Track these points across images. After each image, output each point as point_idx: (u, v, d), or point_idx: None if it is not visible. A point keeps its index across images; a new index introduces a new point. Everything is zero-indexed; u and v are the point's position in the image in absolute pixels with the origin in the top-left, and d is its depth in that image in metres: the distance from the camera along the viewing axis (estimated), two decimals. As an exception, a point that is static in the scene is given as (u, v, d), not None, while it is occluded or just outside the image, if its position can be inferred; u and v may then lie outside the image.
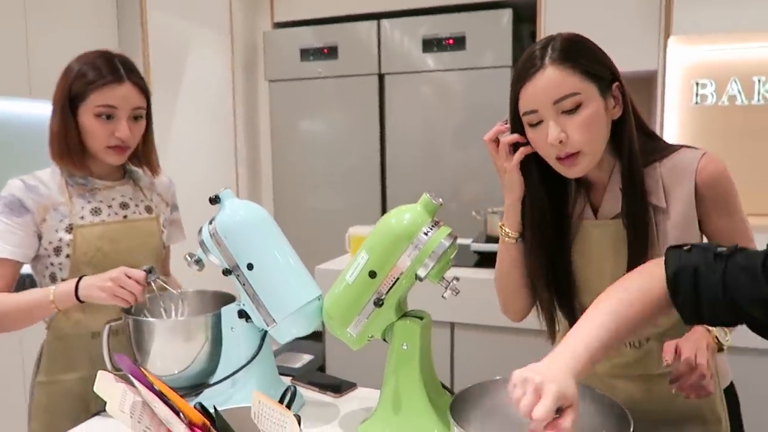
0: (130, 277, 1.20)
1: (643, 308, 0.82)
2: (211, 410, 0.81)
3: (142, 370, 0.70)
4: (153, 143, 1.45)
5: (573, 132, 0.98)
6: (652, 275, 0.84)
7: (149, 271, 1.24)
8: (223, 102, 3.66)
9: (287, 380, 1.39)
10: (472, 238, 2.37)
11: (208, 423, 0.74)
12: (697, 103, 3.08)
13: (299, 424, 0.83)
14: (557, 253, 1.11)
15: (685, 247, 0.84)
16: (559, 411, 0.72)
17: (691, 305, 0.80)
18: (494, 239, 2.22)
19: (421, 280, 1.08)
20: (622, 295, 0.83)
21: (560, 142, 0.98)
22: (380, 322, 1.11)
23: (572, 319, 1.15)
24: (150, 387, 0.69)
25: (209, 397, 1.20)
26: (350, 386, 1.35)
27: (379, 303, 1.08)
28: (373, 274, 1.08)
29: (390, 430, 1.07)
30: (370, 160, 3.42)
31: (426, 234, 1.06)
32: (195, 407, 0.79)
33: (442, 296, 1.08)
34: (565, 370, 0.74)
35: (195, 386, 1.24)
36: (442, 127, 3.27)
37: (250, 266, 1.15)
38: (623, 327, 0.81)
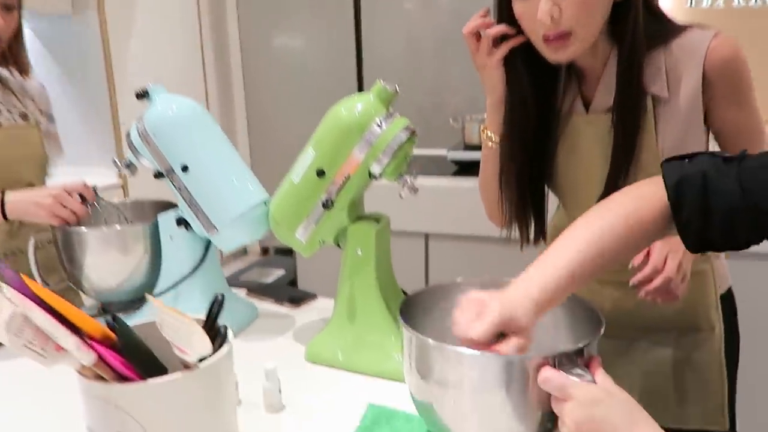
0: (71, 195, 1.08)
1: (629, 234, 0.67)
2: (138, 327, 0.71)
3: (24, 277, 0.59)
4: (23, 40, 1.26)
5: (567, 6, 0.83)
6: (641, 192, 0.69)
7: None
8: (188, 16, 3.40)
9: (242, 292, 1.30)
10: (449, 147, 2.24)
11: (112, 335, 0.64)
12: (691, 5, 2.88)
13: (225, 335, 0.74)
14: (537, 154, 0.99)
15: (685, 158, 0.69)
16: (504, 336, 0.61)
17: (699, 219, 0.64)
18: (472, 147, 2.10)
19: (375, 178, 0.97)
20: (605, 219, 0.68)
21: (552, 18, 0.84)
22: (331, 226, 1.00)
23: (541, 226, 1.04)
24: (32, 296, 0.58)
25: (152, 314, 1.11)
26: (309, 297, 1.27)
27: (328, 205, 0.96)
28: (321, 173, 0.96)
29: (344, 341, 0.99)
30: (346, 75, 3.22)
31: (379, 126, 0.93)
32: (107, 322, 0.69)
33: (399, 195, 0.96)
34: (524, 296, 0.62)
35: (136, 300, 1.14)
36: (423, 38, 3.07)
37: (184, 168, 1.02)
38: (603, 257, 0.66)
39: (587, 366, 0.59)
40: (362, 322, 0.99)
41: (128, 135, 1.07)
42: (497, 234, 1.11)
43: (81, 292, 1.17)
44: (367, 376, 0.95)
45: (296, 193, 0.99)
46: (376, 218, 1.02)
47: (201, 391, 0.67)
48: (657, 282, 0.86)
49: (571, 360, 0.58)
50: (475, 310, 0.62)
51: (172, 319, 0.61)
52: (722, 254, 1.03)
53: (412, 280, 0.99)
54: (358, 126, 0.93)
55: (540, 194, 1.05)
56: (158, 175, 1.05)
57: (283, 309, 1.23)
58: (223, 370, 0.70)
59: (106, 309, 1.18)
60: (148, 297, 0.63)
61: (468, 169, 2.06)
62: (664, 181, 0.67)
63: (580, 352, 0.60)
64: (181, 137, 1.03)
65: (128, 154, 1.08)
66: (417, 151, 2.31)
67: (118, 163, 1.09)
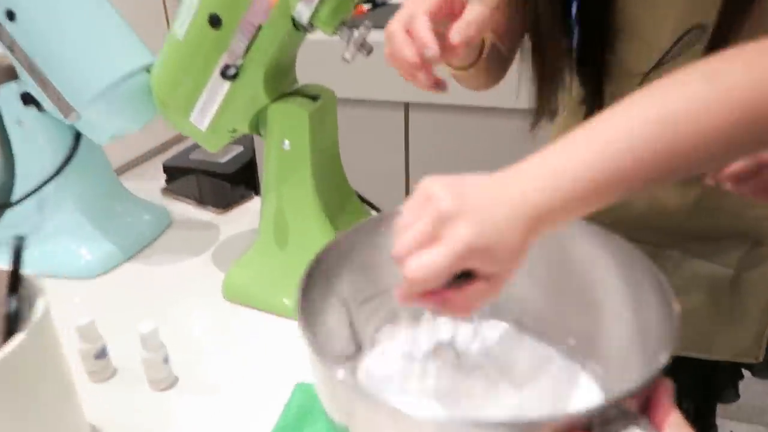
0: None
1: (725, 125, 0.35)
2: None
3: None
4: None
5: None
6: (756, 57, 0.36)
7: None
8: None
9: (154, 189, 0.98)
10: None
11: None
12: None
13: (17, 316, 0.44)
14: None
15: None
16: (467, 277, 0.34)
17: None
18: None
19: (306, 30, 0.62)
20: (680, 95, 0.36)
21: None
22: (243, 106, 0.66)
23: (594, 94, 0.69)
24: None
25: (11, 226, 0.80)
26: (243, 197, 0.96)
27: (230, 73, 0.62)
28: (215, 21, 0.60)
29: (270, 273, 0.70)
30: None
31: (304, -62, 0.56)
32: None
33: (343, 57, 0.62)
34: (513, 209, 0.34)
35: (-7, 211, 0.83)
36: None
37: (10, 14, 0.66)
38: (672, 156, 0.35)
39: (647, 412, 0.30)
40: (295, 247, 0.69)
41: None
42: (494, 103, 0.78)
43: None
44: (303, 324, 0.68)
45: (182, 55, 0.64)
46: (313, 94, 0.68)
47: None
48: (741, 163, 0.56)
49: (623, 414, 0.29)
50: (426, 225, 0.34)
51: None
52: None
53: (391, 162, 0.71)
54: (270, -61, 0.56)
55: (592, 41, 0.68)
56: (-27, 27, 0.68)
57: (207, 214, 0.93)
58: (26, 363, 0.42)
59: (-41, 220, 0.87)
60: None
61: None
62: None
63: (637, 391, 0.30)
64: (0, -35, 0.66)
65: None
66: (397, -2, 1.89)
67: None
